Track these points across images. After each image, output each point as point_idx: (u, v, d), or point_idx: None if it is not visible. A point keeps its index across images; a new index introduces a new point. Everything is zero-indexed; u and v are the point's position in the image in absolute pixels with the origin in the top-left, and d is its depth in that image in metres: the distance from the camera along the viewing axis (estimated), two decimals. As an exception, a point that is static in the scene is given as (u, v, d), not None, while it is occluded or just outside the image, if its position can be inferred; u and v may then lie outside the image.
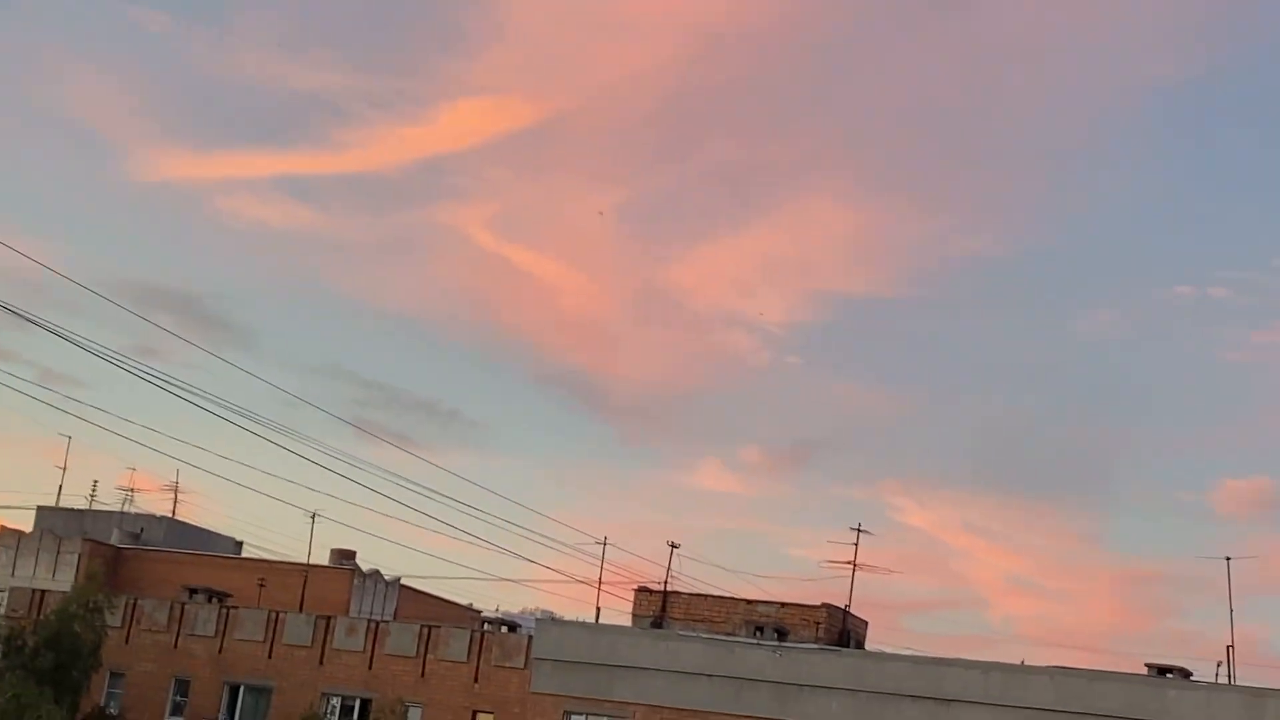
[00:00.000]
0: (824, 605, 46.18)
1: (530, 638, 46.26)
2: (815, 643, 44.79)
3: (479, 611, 60.22)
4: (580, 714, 44.59)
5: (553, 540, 54.49)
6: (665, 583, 47.52)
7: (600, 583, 49.39)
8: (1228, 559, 45.34)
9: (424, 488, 48.74)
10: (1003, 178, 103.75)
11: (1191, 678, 41.88)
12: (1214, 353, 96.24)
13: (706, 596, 47.19)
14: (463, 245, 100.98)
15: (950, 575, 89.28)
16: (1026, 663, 43.26)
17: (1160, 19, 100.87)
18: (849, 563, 47.14)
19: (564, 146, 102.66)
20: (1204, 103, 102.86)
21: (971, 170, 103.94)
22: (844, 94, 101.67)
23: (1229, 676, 43.50)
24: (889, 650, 46.17)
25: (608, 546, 50.14)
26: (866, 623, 47.75)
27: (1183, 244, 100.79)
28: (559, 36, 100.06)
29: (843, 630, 46.40)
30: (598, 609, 49.28)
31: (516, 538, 58.03)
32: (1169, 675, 41.68)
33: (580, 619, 49.11)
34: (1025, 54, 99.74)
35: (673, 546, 48.35)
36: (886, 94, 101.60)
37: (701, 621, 46.33)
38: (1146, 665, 42.18)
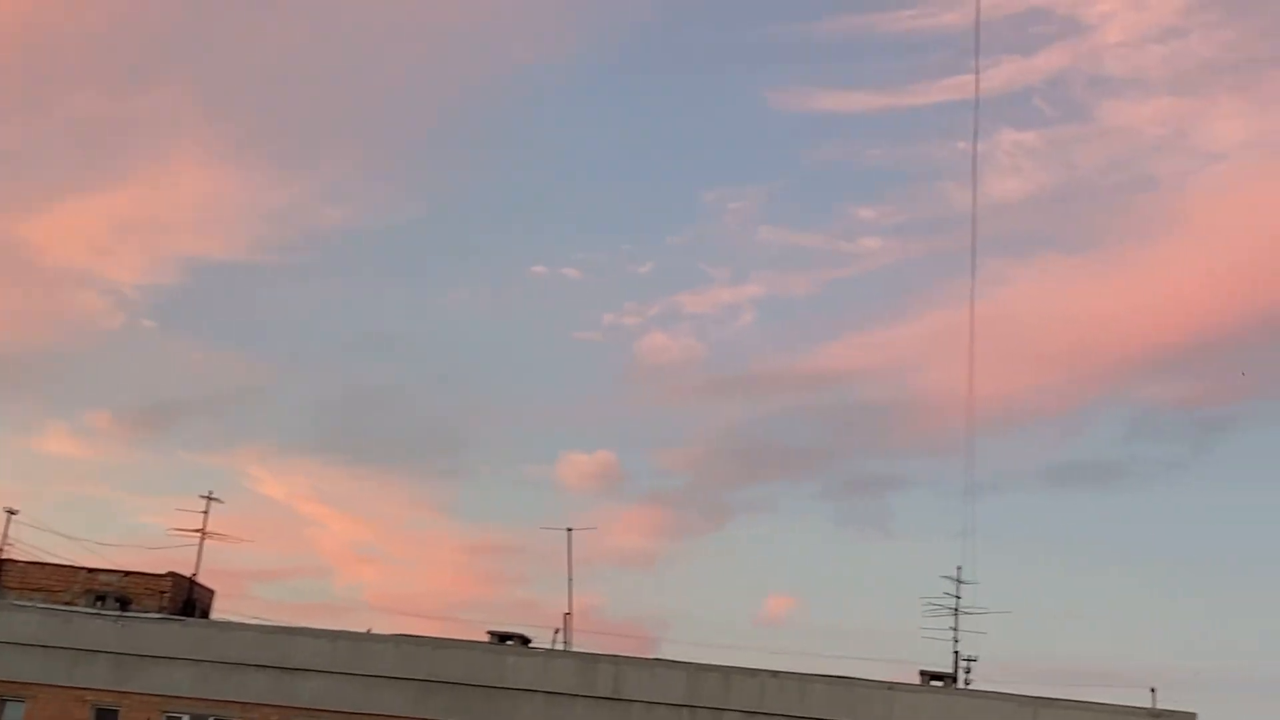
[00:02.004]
0: (170, 574, 45.39)
1: None
2: (160, 612, 43.90)
3: None
4: (-100, 689, 42.26)
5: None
6: (1, 549, 45.54)
7: (-71, 550, 46.89)
8: (569, 530, 46.53)
9: None
10: (372, 150, 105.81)
11: (530, 644, 42.93)
12: (566, 332, 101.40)
13: (44, 565, 45.49)
14: None
15: (302, 544, 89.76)
16: (373, 631, 43.40)
17: (523, 4, 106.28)
18: (197, 531, 46.44)
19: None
20: (563, 90, 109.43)
21: (340, 140, 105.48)
22: (212, 53, 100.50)
23: (565, 643, 44.76)
24: (236, 619, 45.45)
25: (-59, 512, 47.40)
26: (214, 591, 47.05)
27: (540, 224, 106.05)
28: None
29: (189, 599, 45.66)
30: (-77, 578, 46.55)
31: None
32: (509, 642, 42.63)
33: (-97, 588, 46.30)
34: (402, 29, 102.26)
35: (10, 513, 46.47)
36: (256, 55, 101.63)
37: (39, 591, 44.76)
38: (488, 633, 42.98)
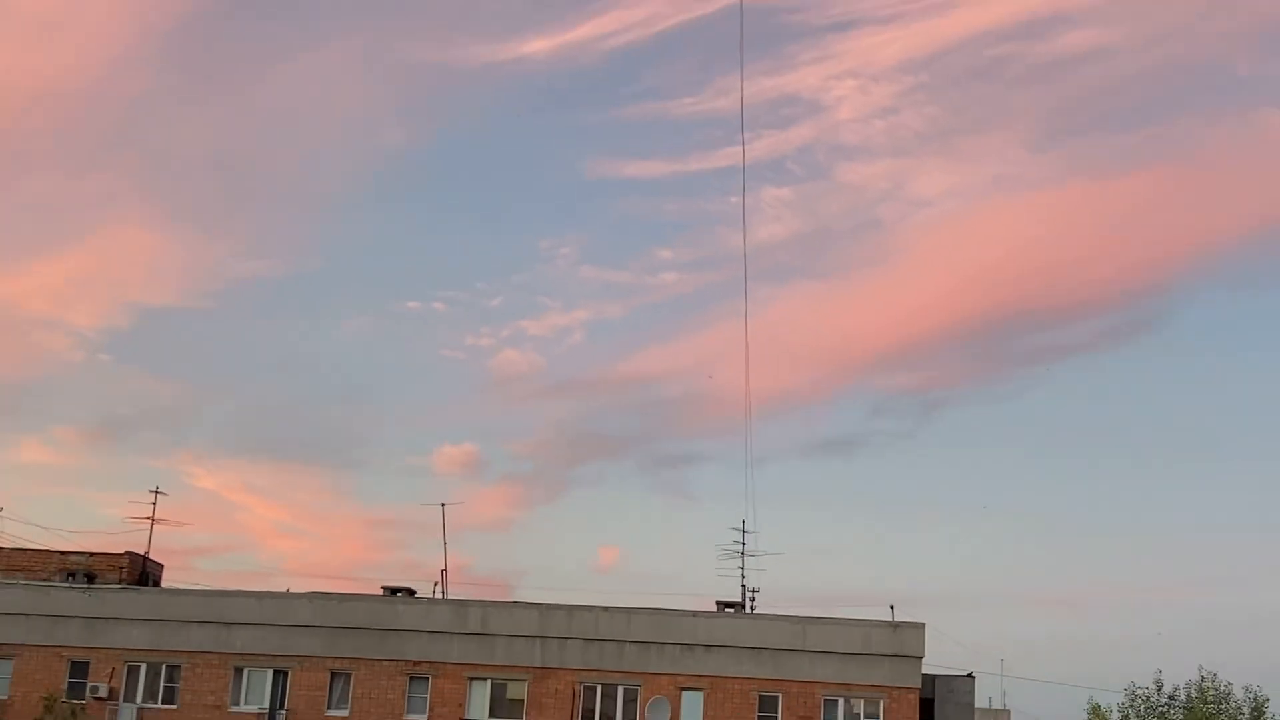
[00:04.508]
0: (127, 553, 48.31)
1: None
2: (119, 584, 47.11)
3: None
4: (-92, 657, 44.93)
5: (-114, 508, 53.06)
6: None
7: (-69, 542, 49.67)
8: (443, 505, 49.88)
9: None
10: (276, 214, 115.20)
11: (415, 595, 46.34)
12: (437, 351, 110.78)
13: (26, 550, 48.51)
14: None
15: (233, 525, 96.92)
16: (291, 590, 46.57)
17: (394, 98, 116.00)
18: (148, 518, 49.40)
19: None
20: (427, 164, 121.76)
21: (251, 206, 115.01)
22: (149, 138, 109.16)
23: (443, 593, 48.13)
24: (181, 587, 48.72)
25: (-63, 513, 50.15)
26: (163, 566, 50.13)
27: (413, 269, 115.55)
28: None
29: (143, 572, 48.63)
30: (-74, 565, 49.14)
31: None
32: (399, 594, 46.06)
33: (-90, 575, 48.45)
34: (294, 116, 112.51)
35: None
36: (183, 141, 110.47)
37: (22, 570, 47.82)
38: (383, 587, 46.42)
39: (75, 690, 44.85)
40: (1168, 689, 44.80)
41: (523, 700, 43.84)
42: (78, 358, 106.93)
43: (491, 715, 43.89)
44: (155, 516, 49.76)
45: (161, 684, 45.00)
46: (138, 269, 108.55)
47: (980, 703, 53.83)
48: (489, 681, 44.02)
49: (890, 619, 43.39)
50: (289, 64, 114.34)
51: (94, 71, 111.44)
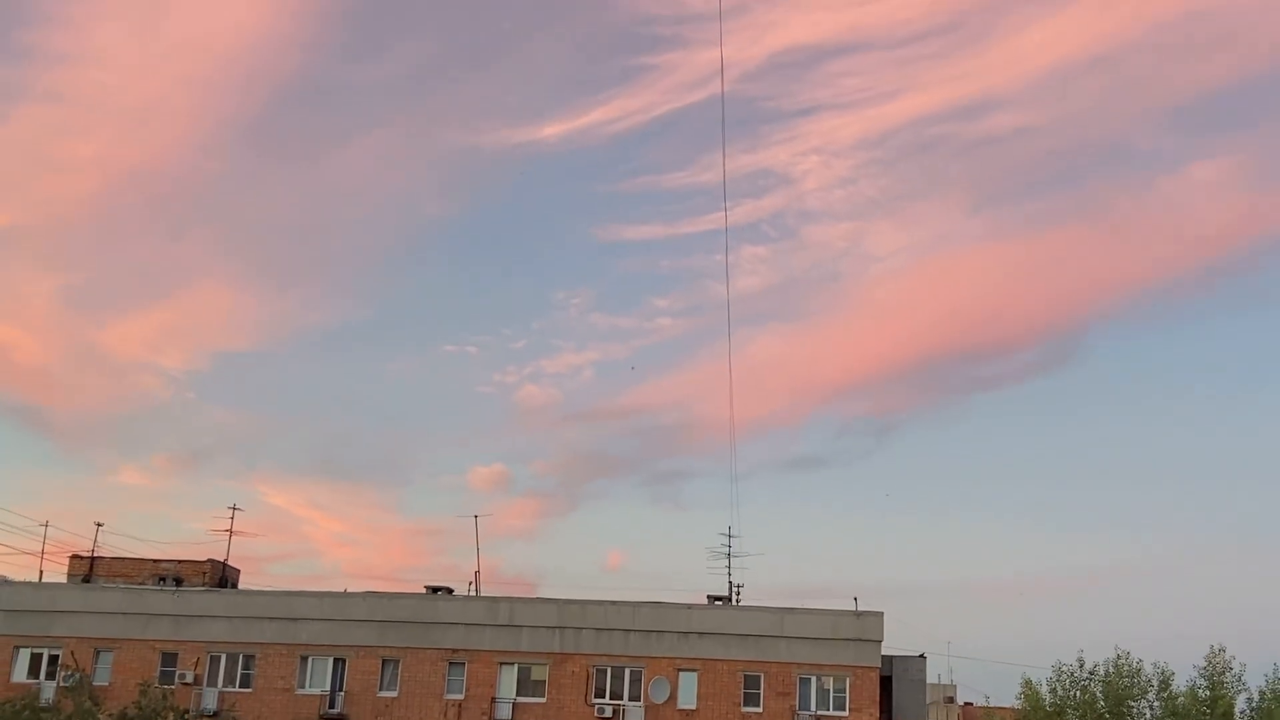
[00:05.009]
0: (209, 560, 52.17)
1: (-14, 594, 49.71)
2: (203, 586, 50.89)
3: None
4: (26, 648, 49.35)
5: (6, 525, 64.50)
6: (93, 550, 52.81)
7: (43, 554, 54.13)
8: (476, 516, 53.52)
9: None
10: (334, 273, 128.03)
11: (453, 593, 49.75)
12: (470, 387, 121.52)
13: (124, 558, 52.45)
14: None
15: (299, 536, 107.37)
16: (348, 590, 49.99)
17: (432, 174, 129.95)
18: (227, 530, 53.30)
19: (24, 241, 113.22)
20: (462, 230, 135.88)
21: (313, 267, 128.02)
22: (228, 210, 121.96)
23: (476, 590, 51.27)
24: (255, 589, 52.24)
25: (50, 528, 54.70)
26: (239, 570, 54.12)
27: (450, 318, 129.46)
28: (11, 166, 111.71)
29: (223, 576, 52.61)
30: (40, 571, 53.63)
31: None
32: (439, 592, 49.58)
33: (28, 580, 52.59)
34: (349, 191, 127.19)
35: (98, 525, 53.51)
36: (256, 212, 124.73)
37: (120, 576, 51.61)
38: (425, 586, 49.95)
39: (166, 677, 48.26)
40: (1089, 665, 49.18)
41: (544, 681, 47.25)
42: (168, 395, 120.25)
43: (518, 694, 47.15)
44: (233, 529, 53.37)
45: (239, 671, 48.67)
46: (218, 320, 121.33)
47: (931, 679, 57.88)
48: (516, 665, 47.44)
49: (854, 608, 46.80)
50: (344, 147, 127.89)
51: (182, 154, 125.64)
